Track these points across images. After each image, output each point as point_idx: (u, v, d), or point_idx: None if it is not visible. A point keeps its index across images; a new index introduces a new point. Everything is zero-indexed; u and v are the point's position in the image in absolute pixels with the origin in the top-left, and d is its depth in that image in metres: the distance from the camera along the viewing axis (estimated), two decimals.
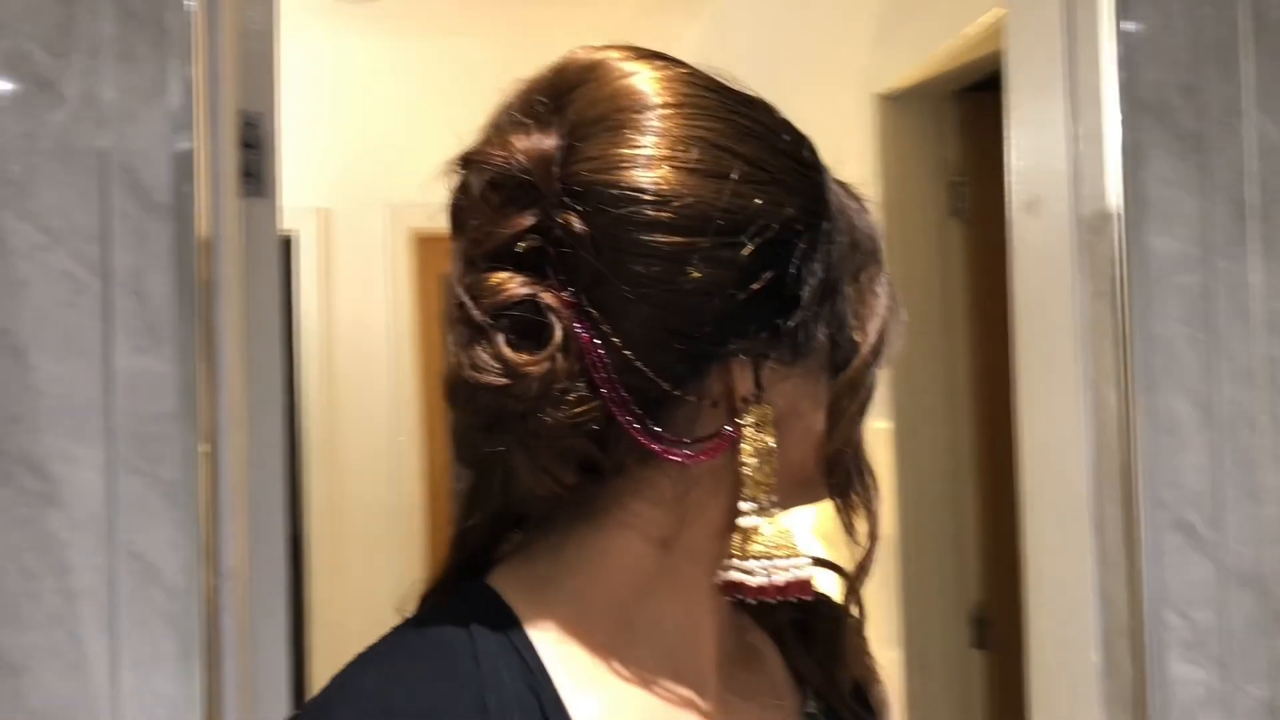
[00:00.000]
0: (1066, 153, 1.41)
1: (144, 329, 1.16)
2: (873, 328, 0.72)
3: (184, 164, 1.18)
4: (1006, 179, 1.58)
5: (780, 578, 0.66)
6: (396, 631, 0.68)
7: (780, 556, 0.66)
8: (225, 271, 1.27)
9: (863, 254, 0.73)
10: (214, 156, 1.24)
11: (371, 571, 3.85)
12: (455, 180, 0.69)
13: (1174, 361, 1.36)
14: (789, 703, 0.78)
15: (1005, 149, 1.56)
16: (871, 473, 0.74)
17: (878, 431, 2.38)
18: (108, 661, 1.15)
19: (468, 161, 0.68)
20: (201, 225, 1.21)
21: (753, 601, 0.68)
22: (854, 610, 0.77)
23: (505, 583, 0.69)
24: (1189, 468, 1.36)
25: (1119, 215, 1.38)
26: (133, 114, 1.17)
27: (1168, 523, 1.36)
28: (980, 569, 2.32)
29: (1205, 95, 1.36)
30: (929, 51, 2.16)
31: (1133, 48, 1.37)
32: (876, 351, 0.71)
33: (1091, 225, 1.42)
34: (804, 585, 0.67)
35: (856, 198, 0.75)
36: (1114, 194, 1.39)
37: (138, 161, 1.16)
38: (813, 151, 0.72)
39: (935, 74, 2.21)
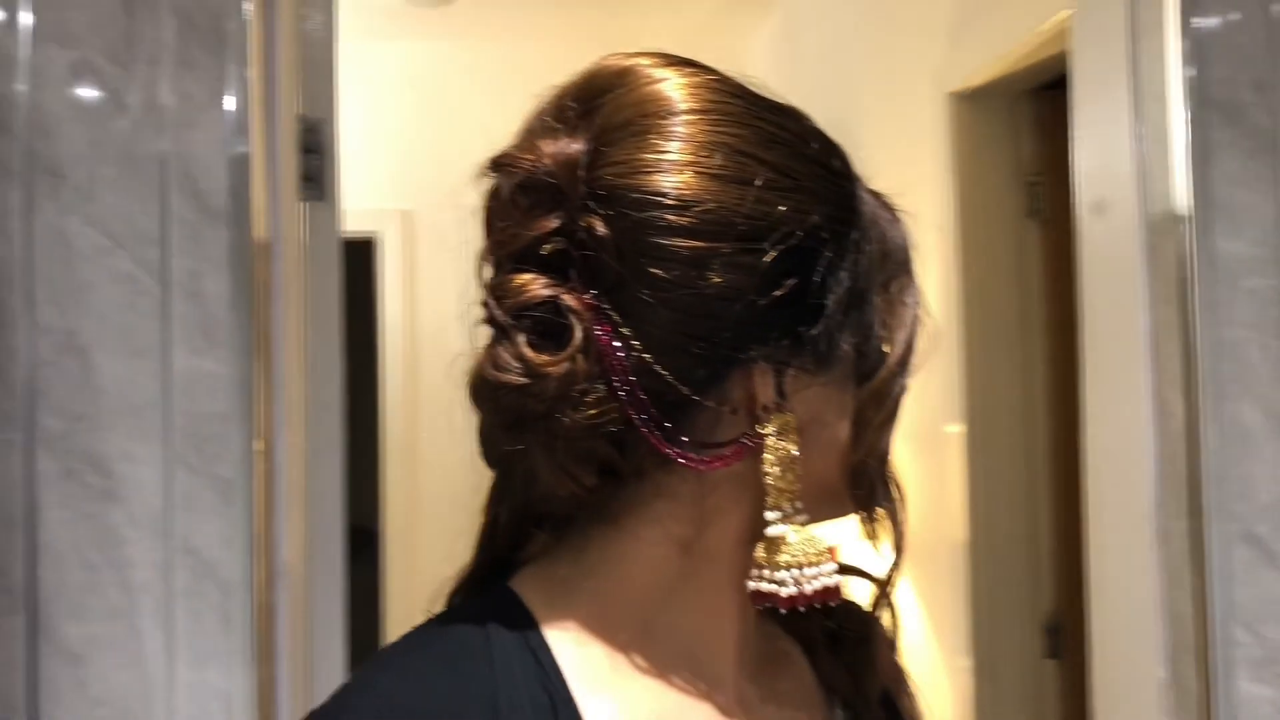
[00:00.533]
0: (1132, 153, 1.37)
1: (201, 330, 1.20)
2: (900, 338, 0.71)
3: (240, 169, 1.21)
4: (1073, 180, 1.54)
5: (811, 587, 0.66)
6: (417, 631, 0.69)
7: (808, 565, 0.66)
8: (283, 274, 1.30)
9: (894, 264, 0.73)
10: (271, 161, 1.27)
11: (449, 570, 3.90)
12: (486, 184, 0.70)
13: (1244, 368, 1.31)
14: (815, 710, 0.77)
15: (1070, 149, 1.52)
16: (897, 484, 0.74)
17: (950, 436, 2.34)
18: (164, 654, 1.19)
19: (497, 165, 0.69)
20: (258, 229, 1.23)
21: (783, 611, 0.67)
22: (884, 618, 0.77)
23: (527, 584, 0.69)
24: (1260, 478, 1.31)
25: (1187, 217, 1.34)
26: (191, 121, 1.20)
27: (1237, 535, 1.32)
28: (1054, 577, 2.27)
29: (1279, 92, 1.31)
30: (1003, 49, 2.12)
31: (1202, 44, 1.32)
32: (903, 362, 0.71)
33: (1159, 227, 1.38)
34: (833, 592, 0.67)
35: (890, 208, 0.75)
36: (1181, 195, 1.35)
37: (195, 167, 1.19)
38: (844, 160, 0.71)
39: (1009, 72, 2.17)
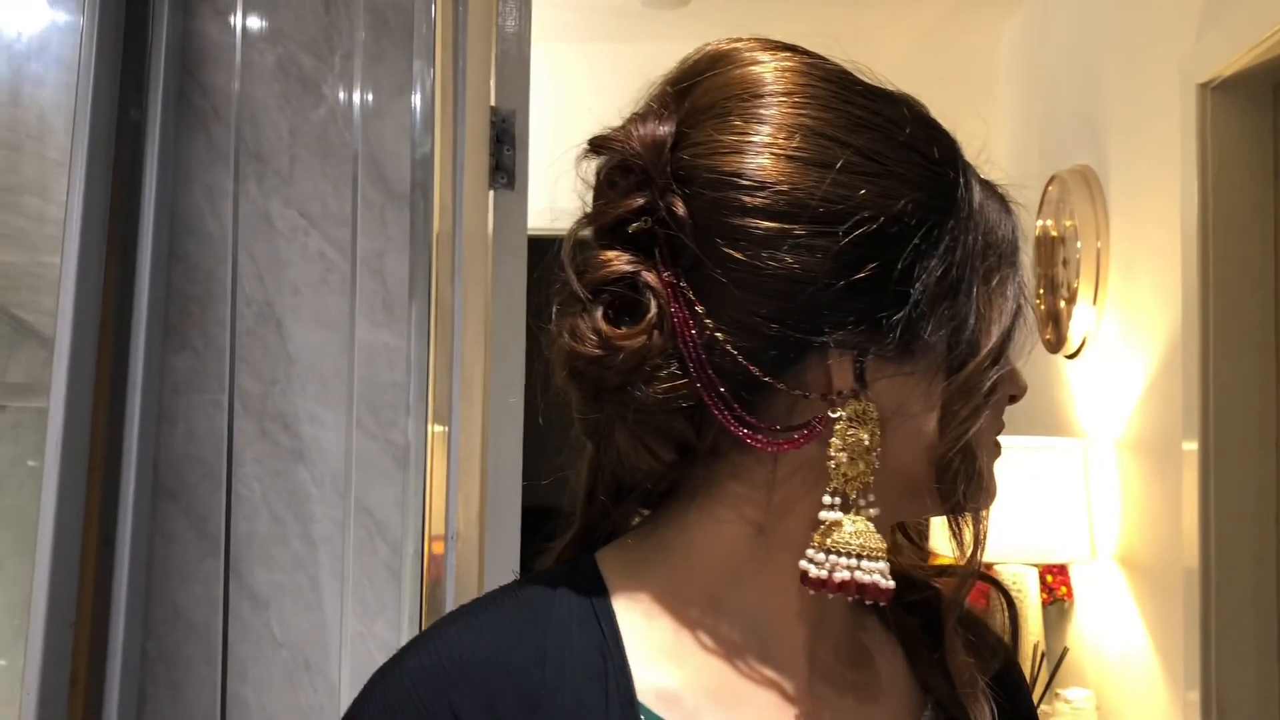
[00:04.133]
0: None
1: (382, 306, 1.28)
2: (995, 331, 0.68)
3: (423, 156, 1.29)
4: None
5: (840, 575, 0.64)
6: (499, 589, 0.72)
7: (852, 555, 0.64)
8: (464, 257, 1.37)
9: (997, 256, 0.70)
10: (456, 151, 1.34)
11: None
12: (589, 164, 0.73)
13: None
14: (900, 707, 0.75)
15: None
16: (988, 485, 0.70)
17: (1185, 453, 2.18)
18: (338, 604, 1.28)
19: (594, 146, 0.72)
20: (439, 213, 1.31)
21: (811, 591, 0.66)
22: (950, 620, 0.74)
23: (608, 556, 0.71)
24: None
25: None
26: (380, 110, 1.29)
27: None
28: None
29: None
30: (1255, 37, 1.95)
31: None
32: (996, 357, 0.67)
33: None
34: (866, 589, 0.64)
35: (1002, 199, 0.72)
36: None
37: (382, 153, 1.28)
38: (949, 148, 0.69)
39: (1262, 61, 1.99)
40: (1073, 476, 2.48)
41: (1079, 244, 2.67)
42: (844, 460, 0.65)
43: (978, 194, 0.69)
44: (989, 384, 0.67)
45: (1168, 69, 2.30)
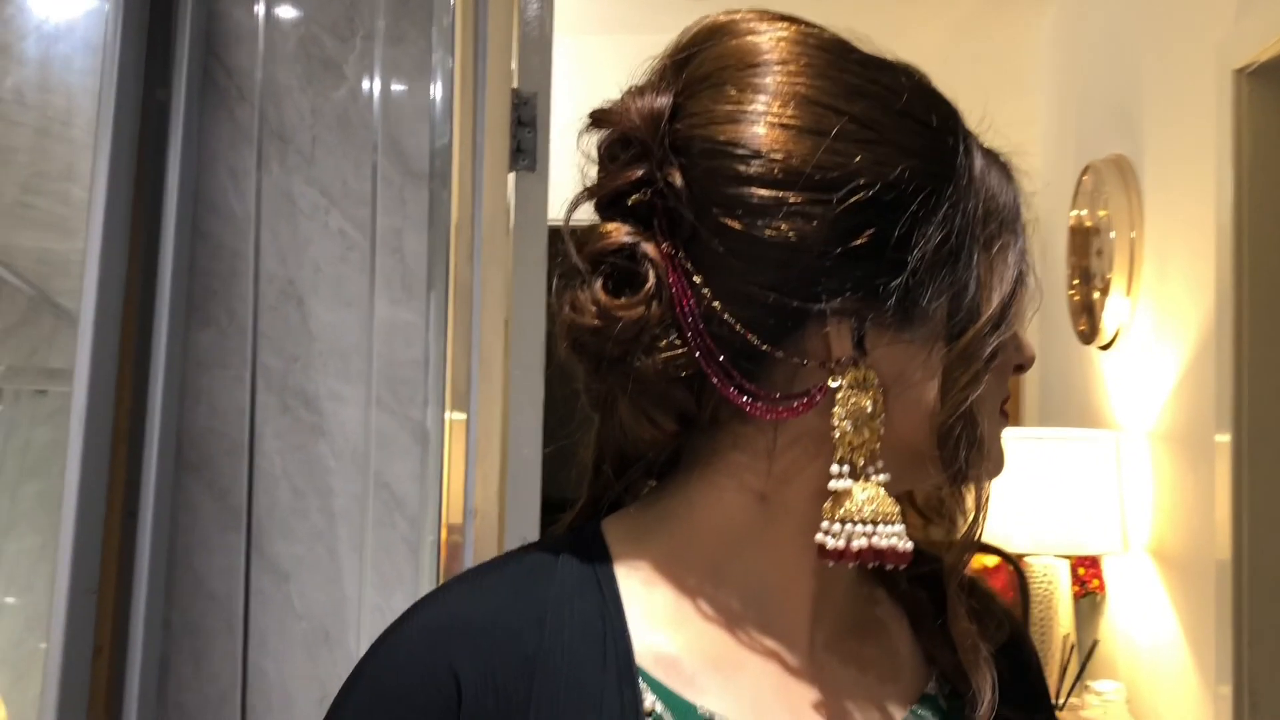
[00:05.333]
0: None
1: (401, 283, 1.30)
2: (995, 298, 0.68)
3: (444, 139, 1.31)
4: None
5: (857, 544, 0.64)
6: (504, 555, 0.73)
7: (867, 521, 0.64)
8: (486, 238, 1.39)
9: (998, 223, 0.69)
10: (476, 133, 1.36)
11: None
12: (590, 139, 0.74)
13: None
14: (905, 678, 0.74)
15: None
16: (989, 454, 0.69)
17: (1217, 445, 2.15)
18: (357, 577, 1.30)
19: (593, 120, 0.72)
20: (458, 195, 1.32)
21: (830, 564, 0.66)
22: (952, 585, 0.73)
23: (613, 524, 0.72)
24: None
25: None
26: (401, 92, 1.31)
27: None
28: None
29: None
30: None
31: None
32: (996, 323, 0.67)
33: None
34: (885, 553, 0.64)
35: (1005, 167, 0.72)
36: None
37: (402, 134, 1.30)
38: (950, 117, 0.69)
39: None
40: (1105, 468, 2.45)
41: (1113, 234, 2.64)
42: (848, 428, 0.65)
43: (979, 162, 0.69)
44: (989, 350, 0.66)
45: (1204, 55, 2.27)
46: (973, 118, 0.72)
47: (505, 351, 1.44)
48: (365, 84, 1.31)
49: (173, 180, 1.28)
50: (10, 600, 1.66)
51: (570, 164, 0.72)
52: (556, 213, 0.72)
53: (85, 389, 1.22)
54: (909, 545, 0.65)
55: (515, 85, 1.48)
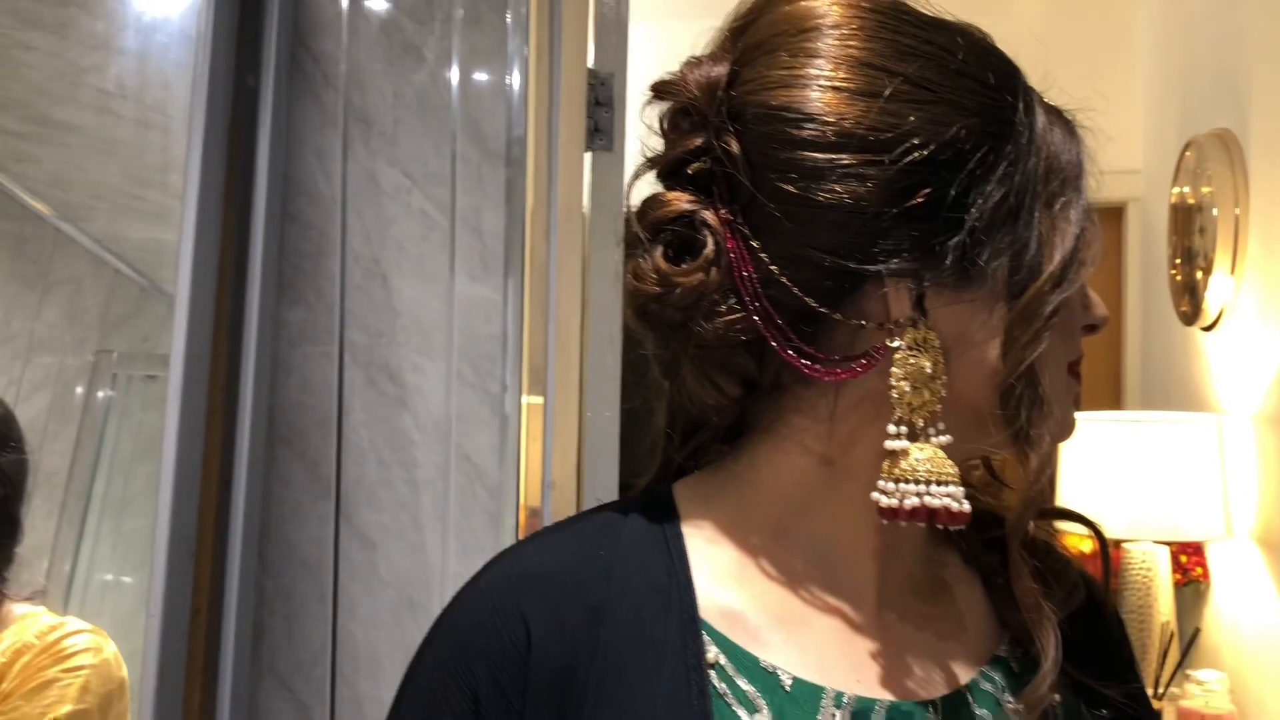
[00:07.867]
0: None
1: (480, 261, 1.34)
2: (1058, 255, 0.68)
3: (520, 119, 1.34)
4: None
5: (910, 503, 0.65)
6: (578, 514, 0.76)
7: (920, 481, 0.65)
8: (561, 216, 1.42)
9: (1060, 180, 0.69)
10: (552, 112, 1.39)
11: None
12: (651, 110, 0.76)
13: None
14: (974, 640, 0.74)
15: None
16: (1052, 410, 0.69)
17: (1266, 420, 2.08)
18: (440, 546, 1.34)
19: (654, 91, 0.74)
20: (533, 175, 1.36)
21: (885, 521, 0.67)
22: (1014, 544, 0.73)
23: (683, 487, 0.74)
24: None
25: None
26: (478, 74, 1.34)
27: None
28: None
29: None
30: None
31: None
32: (1058, 280, 0.67)
33: None
34: (938, 513, 0.64)
35: (1068, 124, 0.72)
36: None
37: (480, 114, 1.33)
38: (1009, 75, 0.69)
39: None
40: (1208, 452, 2.38)
41: (1216, 211, 2.56)
42: (907, 389, 0.65)
43: (1041, 119, 0.69)
44: (1051, 308, 0.66)
45: None
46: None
47: (583, 327, 1.47)
48: (444, 66, 1.35)
49: (263, 165, 1.34)
50: (127, 579, 1.74)
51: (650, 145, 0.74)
52: (637, 194, 0.74)
53: (181, 366, 1.28)
54: (965, 506, 0.65)
55: (591, 65, 1.51)
